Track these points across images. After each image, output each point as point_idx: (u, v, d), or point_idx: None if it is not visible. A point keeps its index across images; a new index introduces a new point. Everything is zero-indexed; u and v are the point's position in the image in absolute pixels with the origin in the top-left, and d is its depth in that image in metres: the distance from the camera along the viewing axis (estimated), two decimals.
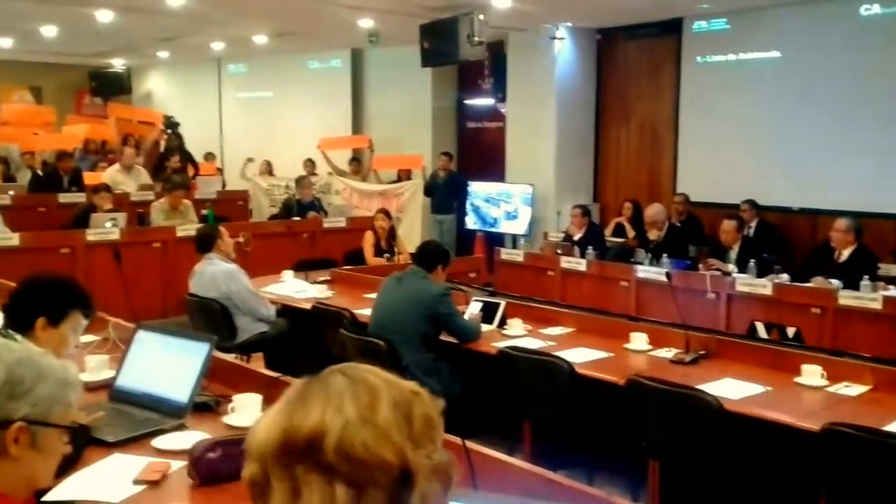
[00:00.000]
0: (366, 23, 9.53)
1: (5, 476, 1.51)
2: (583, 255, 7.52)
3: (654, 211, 7.90)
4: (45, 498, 1.94)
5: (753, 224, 7.91)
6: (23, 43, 11.74)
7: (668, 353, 4.27)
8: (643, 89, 9.81)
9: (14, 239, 7.13)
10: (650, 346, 4.40)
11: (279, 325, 5.50)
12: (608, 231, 8.72)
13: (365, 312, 4.94)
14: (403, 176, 10.95)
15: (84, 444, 1.83)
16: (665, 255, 7.00)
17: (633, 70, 9.88)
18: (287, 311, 5.67)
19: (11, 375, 1.51)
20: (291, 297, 5.88)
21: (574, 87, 9.92)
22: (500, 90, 10.38)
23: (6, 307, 2.62)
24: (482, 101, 11.23)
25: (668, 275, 5.04)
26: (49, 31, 10.48)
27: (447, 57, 8.47)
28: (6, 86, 14.21)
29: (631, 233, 8.48)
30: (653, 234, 7.79)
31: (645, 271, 6.87)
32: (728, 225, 6.89)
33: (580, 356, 4.20)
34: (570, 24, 9.72)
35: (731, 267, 6.68)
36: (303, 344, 5.36)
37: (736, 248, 6.84)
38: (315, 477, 0.98)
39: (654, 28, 9.50)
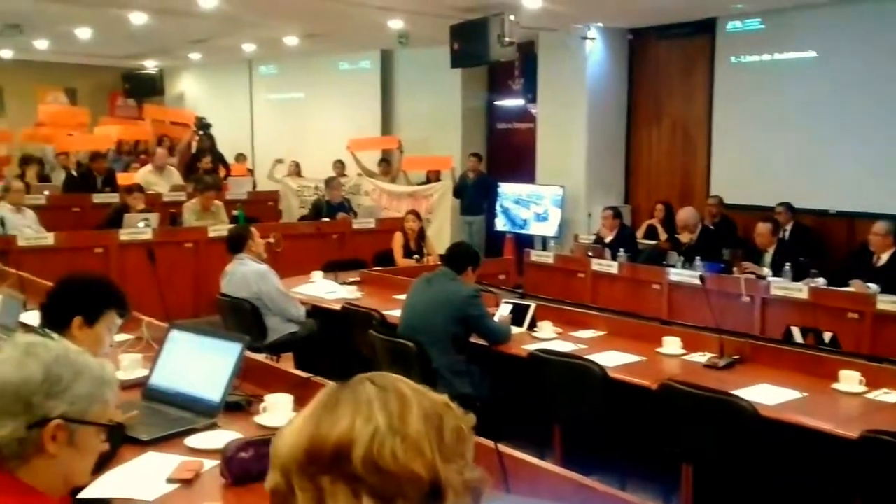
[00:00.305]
0: (396, 24, 9.53)
1: (43, 473, 1.51)
2: (614, 258, 7.45)
3: (685, 214, 7.81)
4: (81, 495, 1.94)
5: (789, 227, 7.78)
6: (58, 45, 11.89)
7: (701, 357, 4.20)
8: (675, 90, 9.70)
9: (49, 238, 7.22)
10: (683, 351, 4.33)
11: (309, 326, 5.52)
12: (640, 233, 8.64)
13: (394, 314, 4.92)
14: (432, 177, 10.93)
15: (120, 442, 1.85)
16: (698, 257, 6.92)
17: (665, 70, 9.78)
18: (317, 311, 5.67)
19: (49, 374, 1.52)
20: (321, 297, 5.89)
21: (605, 87, 9.84)
22: (530, 91, 10.34)
23: (43, 306, 2.65)
24: (512, 102, 11.18)
25: (701, 278, 4.95)
26: (84, 33, 10.61)
27: (477, 58, 8.44)
28: (42, 87, 14.41)
29: (663, 235, 8.39)
30: (685, 237, 7.70)
31: (677, 274, 6.79)
32: (763, 228, 6.78)
33: (612, 360, 4.15)
34: (601, 25, 9.64)
35: (766, 270, 6.58)
36: (332, 344, 5.36)
37: (771, 251, 6.74)
38: (341, 488, 0.96)
39: (687, 28, 9.39)
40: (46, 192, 9.54)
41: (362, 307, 5.34)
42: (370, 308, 5.22)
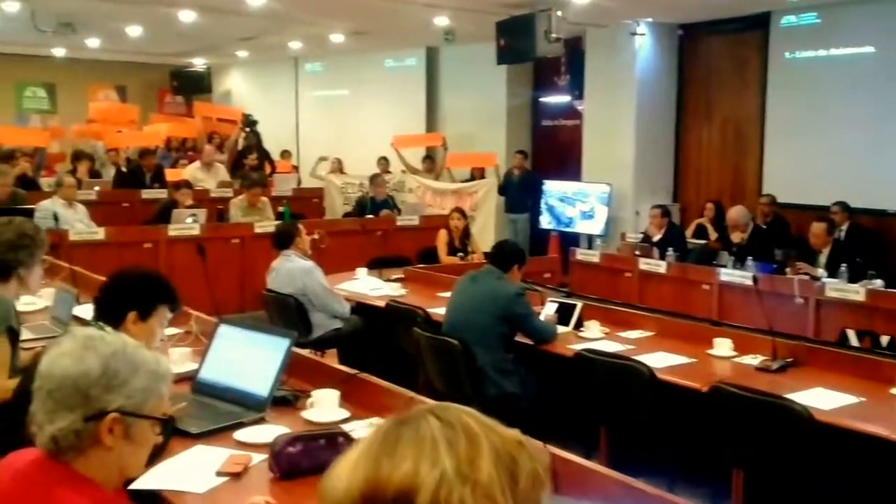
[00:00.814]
0: (441, 21, 9.49)
1: (99, 465, 1.55)
2: (662, 257, 7.32)
3: (737, 212, 7.64)
4: (132, 487, 1.97)
5: (845, 227, 7.55)
6: (109, 42, 12.09)
7: (753, 360, 4.09)
8: (727, 86, 9.50)
9: (99, 233, 7.33)
10: (734, 353, 4.22)
11: (353, 322, 5.51)
12: (689, 232, 8.48)
13: (438, 311, 4.89)
14: (477, 174, 10.87)
15: (170, 435, 1.87)
16: (749, 258, 6.77)
17: (716, 66, 9.59)
18: (361, 308, 5.67)
19: (107, 368, 1.57)
20: (365, 294, 5.88)
21: (654, 83, 9.68)
22: (577, 87, 10.21)
23: (97, 300, 2.68)
24: (558, 99, 11.07)
25: (755, 278, 4.84)
26: (134, 31, 10.76)
27: (523, 54, 8.37)
28: (93, 84, 14.66)
29: (713, 234, 8.23)
30: (736, 237, 7.54)
31: (728, 274, 6.65)
32: (818, 227, 6.61)
33: (660, 361, 4.06)
34: (650, 20, 9.49)
35: (821, 271, 6.40)
36: (376, 341, 5.35)
37: (826, 251, 6.56)
38: None
39: (739, 23, 9.20)
40: (97, 188, 9.69)
41: (406, 304, 5.31)
42: (414, 305, 5.19)
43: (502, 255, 4.62)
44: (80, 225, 7.55)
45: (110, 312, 2.57)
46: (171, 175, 10.33)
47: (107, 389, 1.55)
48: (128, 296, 2.62)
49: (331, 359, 5.13)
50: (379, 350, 5.28)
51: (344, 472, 0.91)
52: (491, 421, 0.96)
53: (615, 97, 9.70)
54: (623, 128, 9.64)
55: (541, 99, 11.53)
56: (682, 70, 9.88)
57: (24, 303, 4.49)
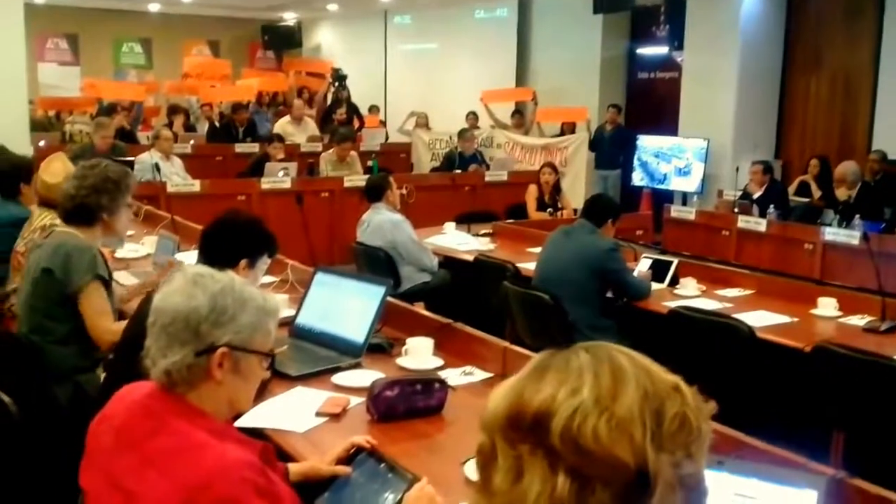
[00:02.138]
0: None
1: (209, 398, 1.62)
2: (762, 215, 7.05)
3: (845, 168, 7.28)
4: (236, 425, 2.00)
5: None
6: None
7: (860, 320, 3.95)
8: (838, 36, 8.99)
9: (195, 185, 7.50)
10: (840, 313, 4.07)
11: (441, 276, 5.50)
12: (791, 190, 8.13)
13: (528, 266, 4.83)
14: (567, 129, 10.66)
15: (271, 374, 1.94)
16: (857, 216, 6.46)
17: (827, 15, 9.07)
18: (449, 262, 5.65)
19: (216, 304, 1.61)
20: (453, 248, 5.86)
21: (759, 33, 9.23)
22: (676, 38, 9.86)
23: (208, 247, 2.69)
24: (656, 50, 10.72)
25: (865, 236, 4.60)
26: None
27: (621, 3, 8.12)
28: (187, 40, 14.98)
29: (817, 193, 7.87)
30: (842, 194, 7.19)
31: (833, 233, 6.36)
32: None
33: (760, 320, 3.92)
34: None
35: None
36: (463, 296, 5.31)
37: None
38: (539, 459, 0.89)
39: None
40: (192, 142, 9.93)
41: (496, 259, 5.26)
42: (504, 260, 5.13)
43: (596, 209, 4.51)
44: (176, 177, 7.73)
45: (222, 259, 2.54)
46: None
47: (216, 325, 1.60)
48: (239, 243, 2.65)
49: None
50: (466, 305, 5.24)
51: (497, 395, 0.96)
52: (650, 363, 0.95)
53: (717, 47, 9.31)
54: (724, 80, 9.26)
55: (637, 51, 11.15)
56: (790, 18, 9.39)
57: (129, 249, 4.69)
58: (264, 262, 2.72)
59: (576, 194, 8.95)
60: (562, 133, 10.64)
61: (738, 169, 8.44)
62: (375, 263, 5.35)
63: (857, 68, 8.86)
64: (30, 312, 3.09)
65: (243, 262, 2.61)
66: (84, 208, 3.07)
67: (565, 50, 11.36)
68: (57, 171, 3.72)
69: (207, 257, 2.63)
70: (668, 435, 0.89)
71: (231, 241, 2.67)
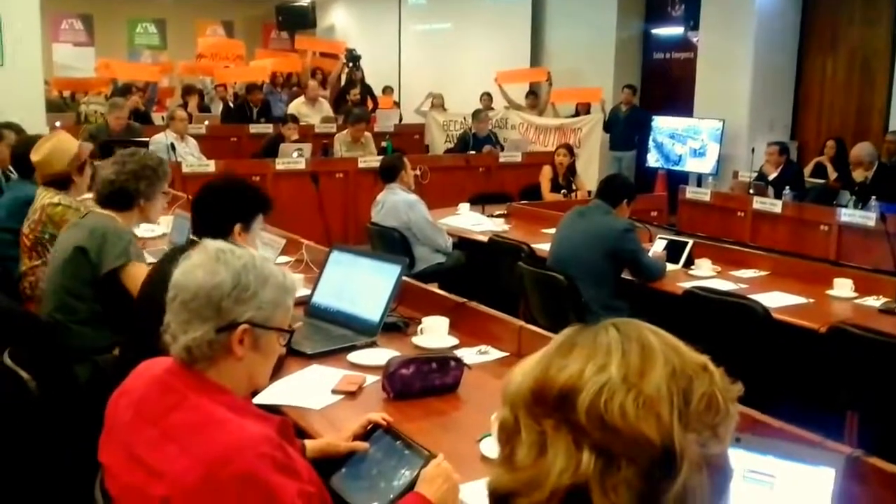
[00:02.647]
0: None
1: (229, 374, 1.62)
2: (778, 196, 7.01)
3: (861, 149, 7.21)
4: (254, 402, 2.02)
5: None
6: None
7: (875, 301, 3.94)
8: (854, 16, 8.87)
9: (210, 166, 7.52)
10: (855, 294, 4.05)
11: (455, 257, 5.51)
12: (807, 171, 8.07)
13: (542, 247, 4.83)
14: (581, 110, 10.61)
15: (286, 351, 1.93)
16: (873, 197, 6.40)
17: None
18: (463, 243, 5.66)
19: (238, 280, 1.61)
20: (468, 229, 5.86)
21: (776, 13, 9.13)
22: (691, 17, 9.78)
23: (198, 215, 2.66)
24: (671, 30, 10.63)
25: (882, 217, 4.57)
26: None
27: None
28: (201, 21, 14.97)
29: (833, 174, 7.81)
30: (859, 175, 7.13)
31: (849, 214, 6.32)
32: None
33: (775, 300, 3.91)
34: None
35: None
36: (478, 276, 5.32)
37: None
38: (563, 435, 0.88)
39: None
40: (206, 122, 9.94)
41: (510, 239, 5.26)
42: (518, 241, 5.13)
43: (611, 190, 4.50)
44: (191, 158, 7.76)
45: (215, 227, 2.53)
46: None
47: (238, 301, 1.60)
48: (230, 208, 2.60)
49: None
50: (480, 285, 5.25)
51: (521, 369, 0.95)
52: (678, 342, 0.95)
53: (733, 27, 9.22)
54: (740, 60, 9.18)
55: (652, 31, 11.06)
56: None
57: (145, 229, 4.72)
58: (259, 222, 2.68)
59: (590, 176, 8.92)
60: (576, 114, 10.59)
61: (753, 150, 8.37)
62: (390, 244, 5.36)
63: (874, 49, 8.76)
64: (57, 291, 3.12)
65: (238, 227, 2.56)
66: (122, 193, 3.12)
67: (580, 30, 11.28)
68: (40, 147, 3.72)
69: (200, 228, 2.56)
70: (696, 414, 0.89)
71: (221, 207, 2.60)
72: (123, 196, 3.13)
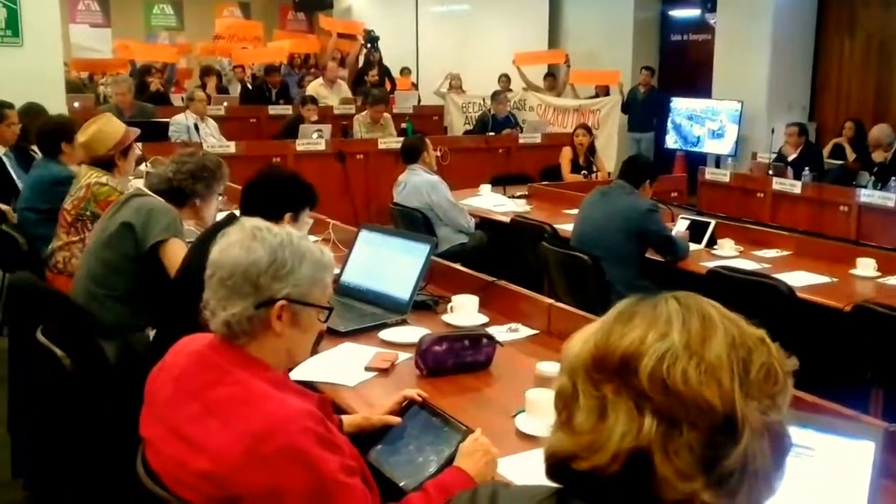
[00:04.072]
0: None
1: (269, 349, 1.63)
2: (797, 177, 7.02)
3: (880, 131, 7.21)
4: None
5: None
6: None
7: None
8: None
9: (231, 147, 7.56)
10: (878, 273, 4.06)
11: (477, 238, 5.53)
12: (825, 152, 8.06)
13: (564, 227, 4.85)
14: (600, 92, 10.58)
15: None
16: (893, 178, 6.40)
17: None
18: (484, 224, 5.68)
19: (275, 257, 1.62)
20: (489, 210, 5.89)
21: None
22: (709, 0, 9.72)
23: (249, 201, 2.70)
24: (688, 12, 10.60)
25: None
26: None
27: None
28: (218, 2, 14.96)
29: (851, 155, 7.79)
30: (878, 156, 7.12)
31: (869, 195, 6.33)
32: None
33: (799, 280, 3.93)
34: None
35: None
36: (500, 257, 5.35)
37: None
38: (624, 400, 0.90)
39: None
40: (225, 104, 9.97)
41: (533, 220, 5.29)
42: (541, 221, 5.16)
43: (634, 170, 4.50)
44: (211, 139, 7.81)
45: (268, 212, 2.55)
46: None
47: (275, 278, 1.61)
48: (282, 197, 2.67)
49: None
50: (502, 266, 5.28)
51: (580, 337, 0.97)
52: (736, 316, 0.96)
53: (750, 8, 9.20)
54: (758, 42, 9.15)
55: (670, 12, 11.03)
56: None
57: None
58: (306, 215, 2.74)
59: (608, 157, 8.92)
60: (596, 96, 10.57)
61: (773, 131, 8.37)
62: (413, 224, 5.39)
63: (892, 30, 8.73)
64: (98, 265, 3.15)
65: (287, 216, 2.62)
66: (179, 192, 3.16)
67: (598, 12, 11.25)
68: (87, 129, 3.77)
69: (252, 209, 2.61)
70: (755, 383, 0.90)
71: (274, 194, 2.66)
72: (179, 195, 3.16)
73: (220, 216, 4.26)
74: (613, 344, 0.92)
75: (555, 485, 0.97)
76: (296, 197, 2.69)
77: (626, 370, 0.90)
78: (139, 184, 3.52)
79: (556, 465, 0.95)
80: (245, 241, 1.62)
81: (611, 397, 0.91)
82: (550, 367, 2.21)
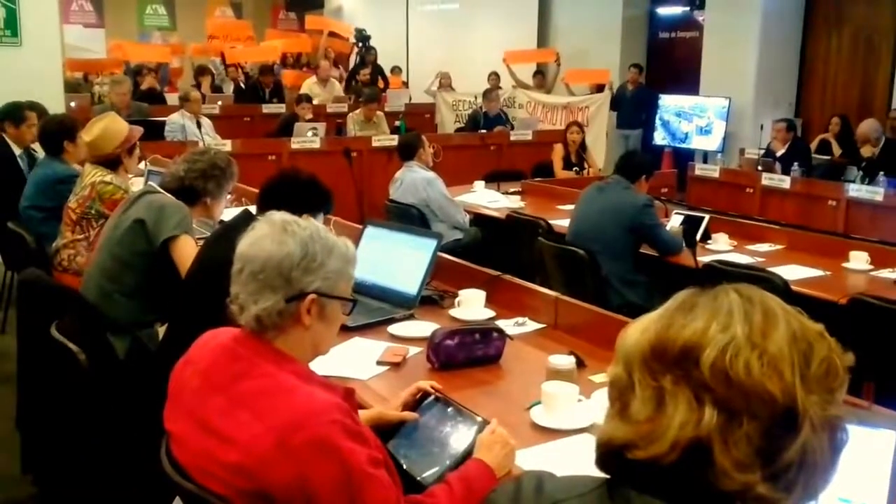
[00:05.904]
0: None
1: (297, 342, 1.64)
2: (786, 172, 7.11)
3: (867, 126, 7.32)
4: None
5: None
6: None
7: (891, 273, 4.03)
8: None
9: (227, 145, 7.58)
10: (871, 266, 4.15)
11: (473, 234, 5.59)
12: (811, 148, 8.17)
13: (560, 223, 4.90)
14: (594, 91, 10.64)
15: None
16: (881, 173, 6.51)
17: None
18: (478, 220, 5.73)
19: (306, 251, 1.63)
20: (484, 206, 5.94)
21: None
22: None
23: (267, 202, 2.68)
24: (676, 10, 10.70)
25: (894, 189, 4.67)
26: None
27: None
28: (210, 1, 14.95)
29: (837, 151, 7.91)
30: (866, 151, 7.24)
31: (857, 190, 6.44)
32: None
33: (793, 273, 4.00)
34: None
35: None
36: (494, 253, 5.41)
37: None
38: (683, 391, 0.90)
39: None
40: (220, 103, 10.00)
41: (528, 215, 5.35)
42: (536, 216, 5.22)
43: (630, 166, 4.57)
44: (206, 138, 7.83)
45: (286, 210, 2.62)
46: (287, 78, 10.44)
47: (306, 272, 1.62)
48: (301, 199, 2.65)
49: None
50: (497, 262, 5.33)
51: (638, 328, 0.97)
52: (795, 309, 0.96)
53: (738, 5, 9.31)
54: (745, 38, 9.25)
55: (657, 10, 11.13)
56: None
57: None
58: (321, 219, 2.73)
59: (597, 154, 8.97)
60: (591, 94, 10.62)
61: (762, 127, 8.47)
62: (410, 221, 5.41)
63: (878, 26, 8.83)
64: (110, 261, 3.17)
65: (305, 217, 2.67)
66: (190, 190, 3.18)
67: (586, 10, 11.33)
68: (91, 128, 3.82)
69: (270, 208, 2.66)
70: (816, 377, 0.90)
71: (293, 196, 2.65)
72: (190, 193, 3.18)
73: (232, 213, 4.34)
74: (674, 334, 0.92)
75: (601, 475, 0.97)
76: (316, 199, 2.71)
77: (687, 360, 0.90)
78: (139, 182, 3.56)
79: (609, 454, 0.95)
80: (276, 234, 1.63)
81: (669, 387, 0.91)
82: (563, 361, 2.24)
